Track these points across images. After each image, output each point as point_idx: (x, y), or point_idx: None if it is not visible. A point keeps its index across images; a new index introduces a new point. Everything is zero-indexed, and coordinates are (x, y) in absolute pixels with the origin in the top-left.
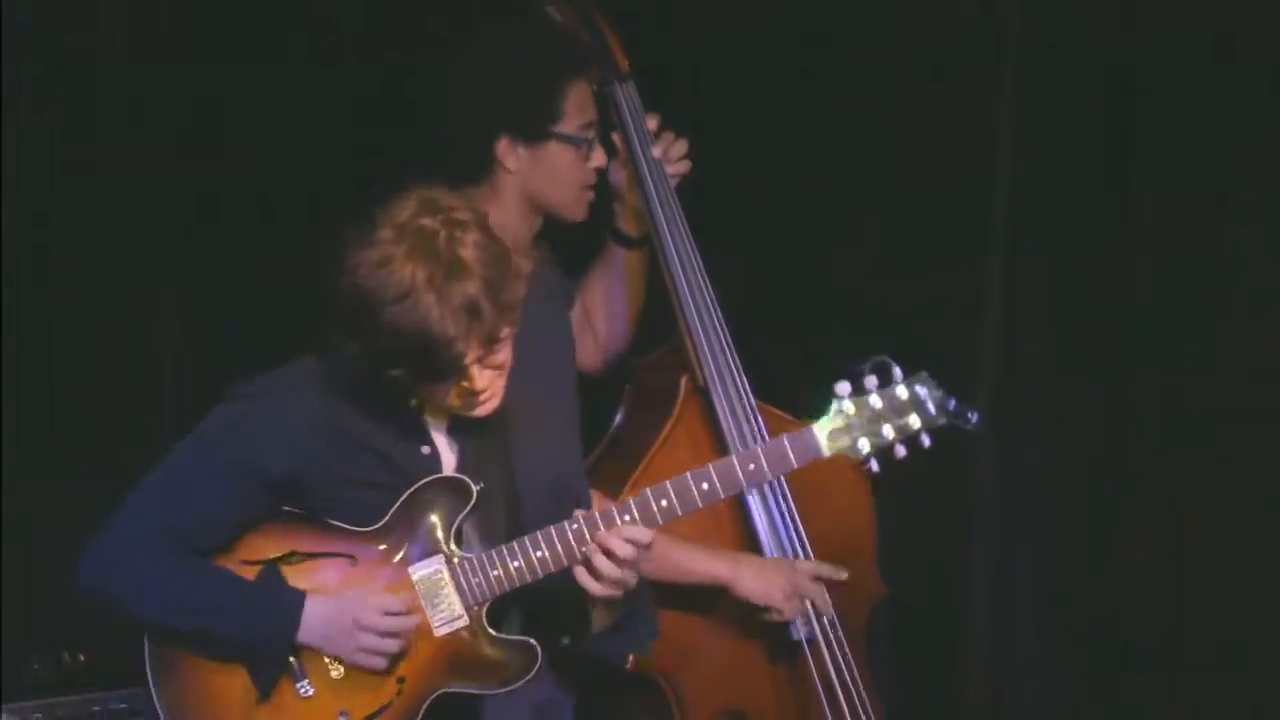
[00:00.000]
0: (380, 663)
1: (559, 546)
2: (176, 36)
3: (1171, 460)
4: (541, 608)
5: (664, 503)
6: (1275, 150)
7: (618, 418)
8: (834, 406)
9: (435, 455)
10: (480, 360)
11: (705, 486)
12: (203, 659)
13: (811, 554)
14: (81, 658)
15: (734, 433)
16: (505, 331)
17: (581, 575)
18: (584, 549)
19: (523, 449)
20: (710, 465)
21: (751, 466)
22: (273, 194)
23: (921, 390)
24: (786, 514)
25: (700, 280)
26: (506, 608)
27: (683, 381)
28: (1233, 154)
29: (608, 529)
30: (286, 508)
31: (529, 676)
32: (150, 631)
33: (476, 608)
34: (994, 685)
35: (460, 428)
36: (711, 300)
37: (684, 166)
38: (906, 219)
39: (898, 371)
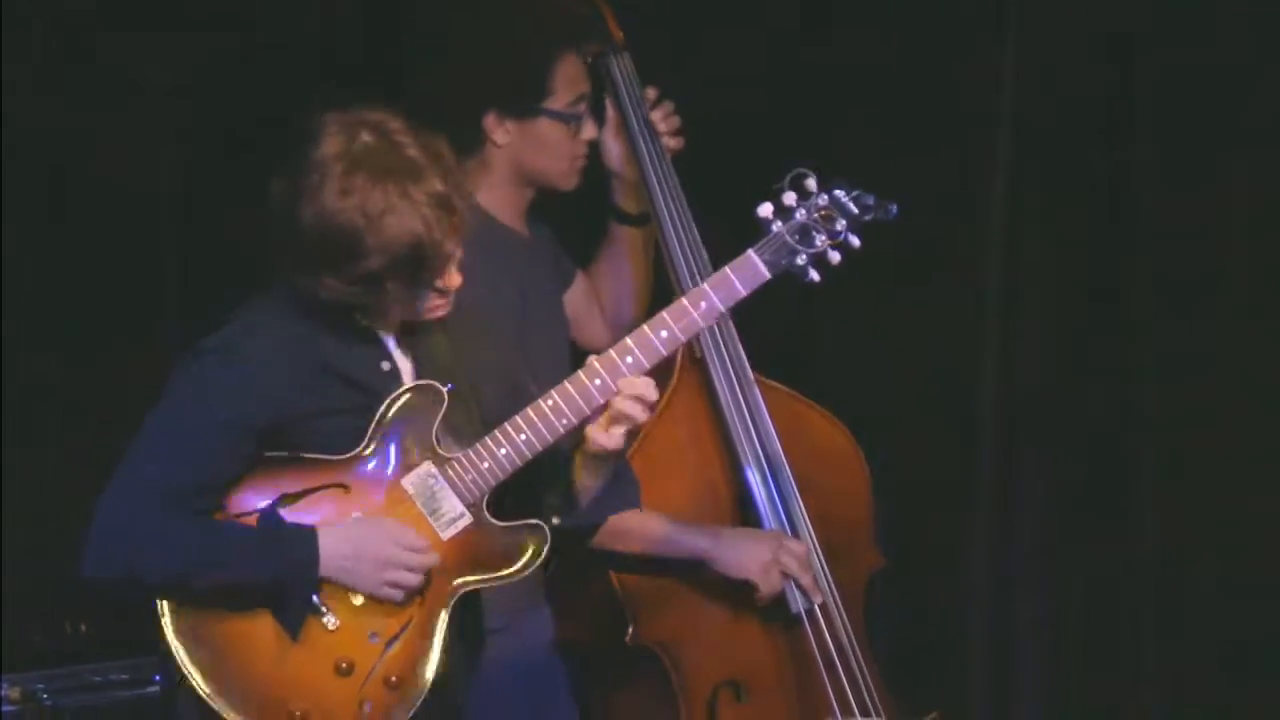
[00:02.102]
0: (401, 595)
1: (540, 426)
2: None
3: (1173, 425)
4: (526, 496)
5: (629, 359)
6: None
7: None
8: (762, 228)
9: (395, 370)
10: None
11: (665, 334)
12: (226, 615)
13: (810, 529)
14: (83, 628)
15: (731, 404)
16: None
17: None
18: (563, 422)
19: (470, 349)
20: (664, 311)
21: (703, 304)
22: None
23: (840, 193)
24: (785, 486)
25: (696, 250)
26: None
27: (680, 352)
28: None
29: (583, 397)
30: (266, 454)
31: (543, 557)
32: (168, 596)
33: (476, 502)
34: (996, 655)
35: (407, 338)
36: (708, 271)
37: (678, 143)
38: (904, 184)
39: (813, 181)
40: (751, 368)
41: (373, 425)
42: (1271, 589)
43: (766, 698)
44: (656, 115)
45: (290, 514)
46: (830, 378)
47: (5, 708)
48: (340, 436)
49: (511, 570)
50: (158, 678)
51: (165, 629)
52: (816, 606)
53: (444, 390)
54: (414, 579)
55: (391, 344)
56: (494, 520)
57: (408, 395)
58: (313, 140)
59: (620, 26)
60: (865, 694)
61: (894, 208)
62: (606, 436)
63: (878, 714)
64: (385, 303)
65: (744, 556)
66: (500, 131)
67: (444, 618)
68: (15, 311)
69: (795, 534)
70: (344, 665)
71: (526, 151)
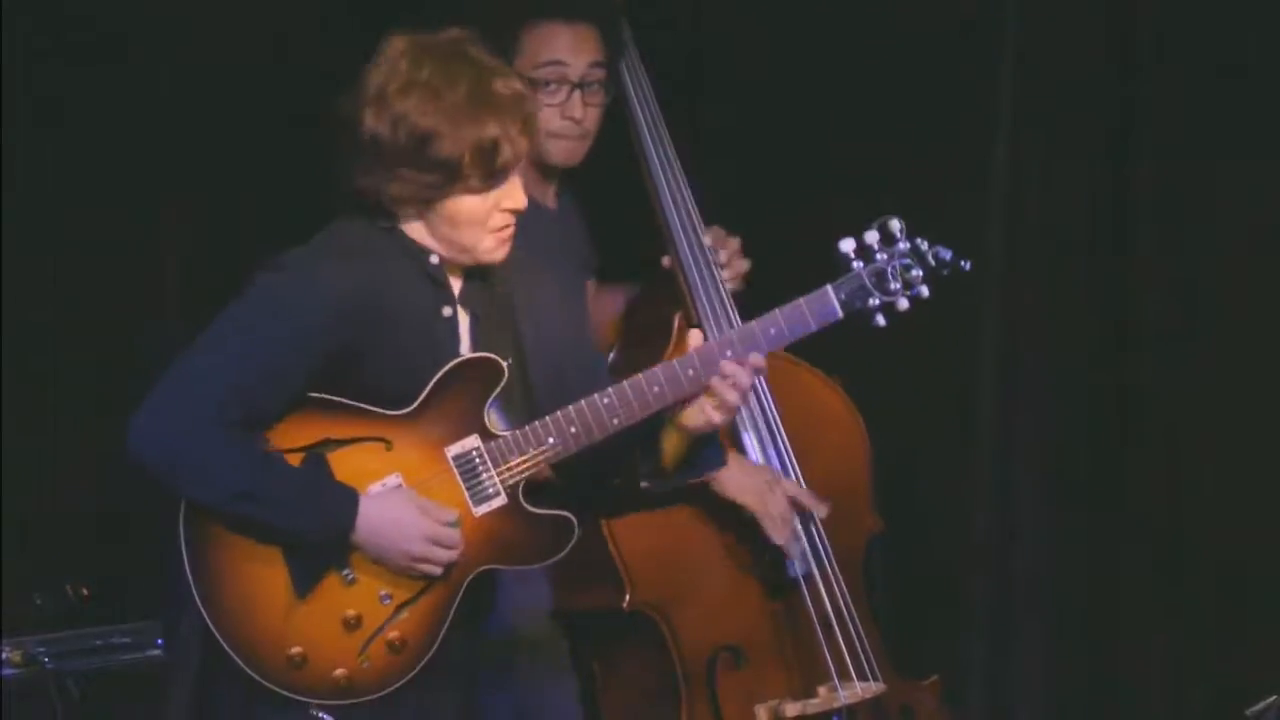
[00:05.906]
0: (428, 571)
1: (590, 420)
2: None
3: (1175, 383)
4: (608, 462)
5: (690, 372)
6: None
7: (612, 354)
8: (841, 263)
9: (455, 319)
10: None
11: (730, 354)
12: (243, 546)
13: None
14: (84, 591)
15: None
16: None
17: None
18: (614, 421)
19: (527, 323)
20: (733, 331)
21: (773, 330)
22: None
23: (922, 243)
24: (782, 450)
25: (691, 215)
26: (567, 472)
27: (676, 317)
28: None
29: (639, 401)
30: (315, 394)
31: (566, 550)
32: (196, 503)
33: (514, 485)
34: (995, 620)
35: (469, 297)
36: (703, 236)
37: (743, 266)
38: (903, 145)
39: (896, 223)
40: None
41: (428, 388)
42: (1272, 547)
43: (765, 663)
44: (723, 256)
45: (333, 459)
46: (827, 341)
47: (6, 671)
48: (399, 381)
49: (532, 561)
50: (159, 642)
51: (181, 551)
52: (814, 570)
53: (504, 365)
54: (439, 570)
55: (456, 293)
56: (527, 506)
57: (464, 366)
58: (379, 52)
59: None
60: (863, 658)
61: (967, 264)
62: (706, 416)
63: (875, 679)
64: (457, 199)
65: (743, 480)
66: None
67: (460, 593)
68: (14, 269)
69: None
70: (352, 619)
71: None
